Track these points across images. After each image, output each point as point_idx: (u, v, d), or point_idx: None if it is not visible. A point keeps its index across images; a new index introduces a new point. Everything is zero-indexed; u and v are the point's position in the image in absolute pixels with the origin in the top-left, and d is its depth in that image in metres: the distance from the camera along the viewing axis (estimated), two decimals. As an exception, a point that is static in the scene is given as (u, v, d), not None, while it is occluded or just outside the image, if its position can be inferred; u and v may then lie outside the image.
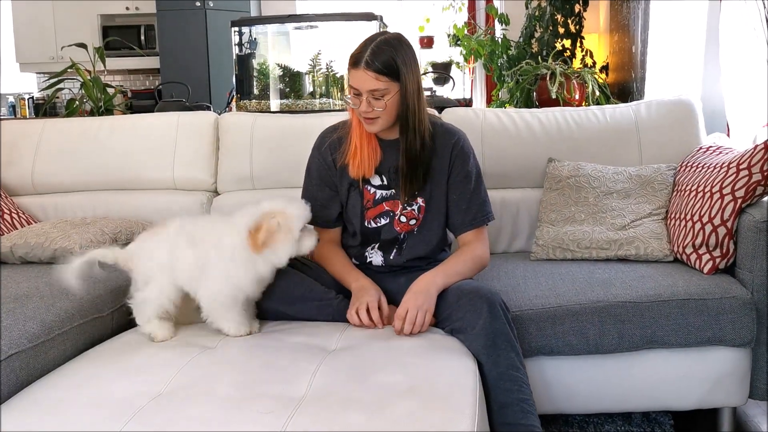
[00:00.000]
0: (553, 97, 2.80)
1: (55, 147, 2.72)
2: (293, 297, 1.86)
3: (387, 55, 1.78)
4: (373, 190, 1.95)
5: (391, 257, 1.98)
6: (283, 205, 1.75)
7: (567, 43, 3.90)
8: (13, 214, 2.51)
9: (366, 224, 1.97)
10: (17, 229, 2.44)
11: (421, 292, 1.77)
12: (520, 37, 4.13)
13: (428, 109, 1.98)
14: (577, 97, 2.87)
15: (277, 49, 3.15)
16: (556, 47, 3.76)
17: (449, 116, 2.61)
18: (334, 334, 1.75)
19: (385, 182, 1.95)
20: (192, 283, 1.75)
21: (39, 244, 2.23)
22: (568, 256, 2.25)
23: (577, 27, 3.94)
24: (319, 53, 3.00)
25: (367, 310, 1.78)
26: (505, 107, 3.41)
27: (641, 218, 2.26)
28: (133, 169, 2.69)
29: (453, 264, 1.88)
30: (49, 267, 2.15)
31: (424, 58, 5.45)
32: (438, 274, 1.83)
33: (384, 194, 1.95)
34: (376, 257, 1.99)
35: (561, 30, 3.89)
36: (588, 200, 2.34)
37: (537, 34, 3.98)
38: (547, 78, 2.83)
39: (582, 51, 3.91)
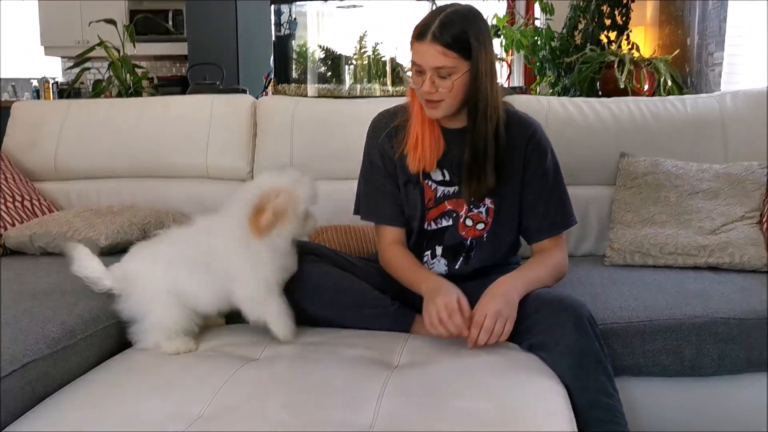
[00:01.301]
0: (622, 86, 2.55)
1: (80, 130, 2.51)
2: (343, 303, 1.63)
3: (458, 28, 1.53)
4: (434, 186, 1.71)
5: (457, 266, 1.73)
6: (286, 182, 1.53)
7: (612, 35, 3.68)
8: (34, 201, 2.30)
9: (426, 226, 1.72)
10: (38, 216, 2.24)
11: (501, 297, 1.51)
12: (563, 28, 3.91)
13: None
14: (646, 87, 2.61)
15: (319, 31, 2.92)
16: (601, 40, 3.54)
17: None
18: (395, 346, 1.52)
19: (447, 178, 1.70)
20: (210, 304, 1.55)
21: (61, 234, 2.03)
22: (650, 261, 2.00)
23: (624, 19, 3.70)
24: (364, 34, 2.76)
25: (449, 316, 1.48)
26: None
27: (733, 222, 2.00)
28: (163, 155, 2.48)
29: (534, 269, 1.63)
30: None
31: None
32: (519, 279, 1.57)
33: (446, 191, 1.70)
34: (438, 265, 1.74)
35: (607, 21, 3.67)
36: (669, 200, 2.09)
37: (581, 26, 3.77)
38: (615, 66, 2.58)
39: (628, 44, 3.67)
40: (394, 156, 1.71)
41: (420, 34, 1.55)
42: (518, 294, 1.53)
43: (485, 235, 1.71)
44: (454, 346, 1.51)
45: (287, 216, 1.50)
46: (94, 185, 2.47)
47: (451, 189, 1.70)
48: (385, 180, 1.73)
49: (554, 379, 1.40)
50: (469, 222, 1.70)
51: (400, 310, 1.65)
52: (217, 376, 1.34)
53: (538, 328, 1.49)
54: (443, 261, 1.73)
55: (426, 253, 1.74)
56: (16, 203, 2.23)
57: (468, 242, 1.71)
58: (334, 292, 1.62)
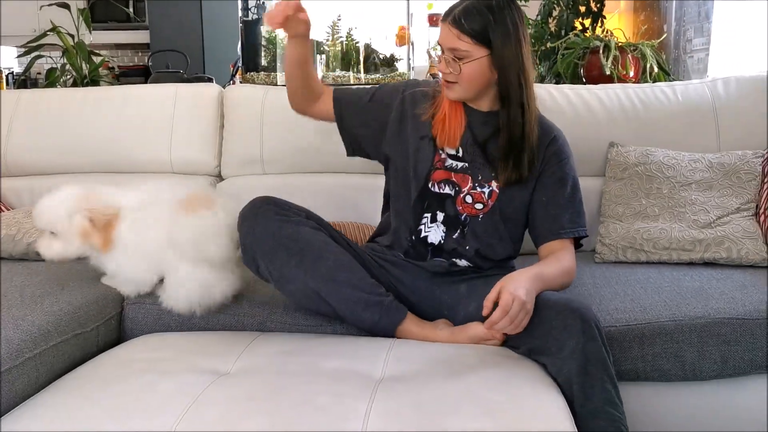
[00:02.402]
0: (607, 72, 2.45)
1: (32, 122, 2.33)
2: (340, 280, 1.52)
3: (480, 16, 1.52)
4: (444, 155, 1.65)
5: (454, 237, 1.63)
6: (78, 200, 1.62)
7: (587, 22, 3.59)
8: (-19, 200, 2.13)
9: (429, 186, 1.64)
10: (-15, 217, 2.06)
11: (525, 289, 1.38)
12: (537, 15, 3.82)
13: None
14: (632, 74, 2.51)
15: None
16: (575, 26, 3.44)
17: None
18: (379, 355, 1.40)
19: (460, 154, 1.65)
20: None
21: (9, 237, 1.86)
22: (642, 258, 1.90)
23: (599, 5, 3.62)
24: (338, 19, 2.62)
25: None
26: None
27: (729, 214, 1.91)
28: (122, 149, 2.31)
29: (549, 268, 1.52)
30: (21, 264, 1.80)
31: (432, 38, 5.10)
32: (537, 276, 1.45)
33: (454, 165, 1.64)
34: (435, 233, 1.64)
35: (582, 8, 3.58)
36: (662, 192, 1.99)
37: (555, 12, 3.68)
38: (600, 51, 2.47)
39: (603, 31, 3.59)
40: (413, 110, 1.68)
41: (445, 14, 1.57)
42: (536, 290, 1.42)
43: (481, 216, 1.62)
44: (444, 355, 1.39)
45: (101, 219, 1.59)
46: (47, 182, 2.28)
47: (460, 164, 1.64)
48: (373, 100, 1.73)
49: (555, 390, 1.29)
50: (469, 199, 1.62)
51: (393, 302, 1.55)
52: (183, 396, 1.20)
53: (539, 331, 1.38)
54: (442, 228, 1.64)
55: (426, 215, 1.65)
56: (-39, 202, 2.05)
57: (463, 217, 1.63)
58: (334, 266, 1.52)
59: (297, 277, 1.51)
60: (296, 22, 1.57)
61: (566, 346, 1.33)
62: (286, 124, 2.26)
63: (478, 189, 1.62)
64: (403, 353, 1.41)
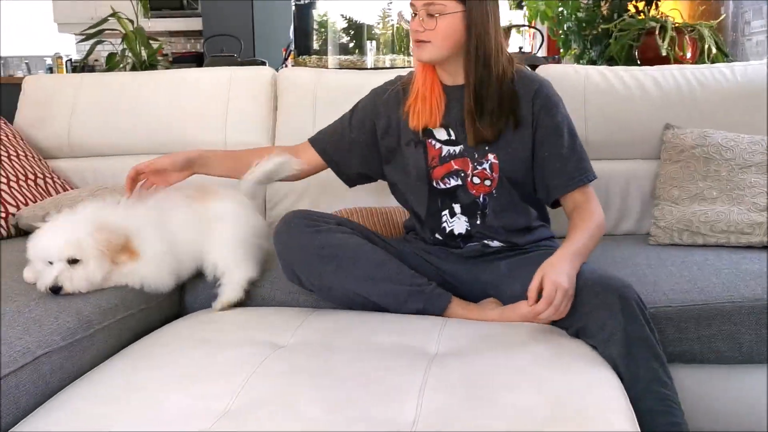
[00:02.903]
0: (663, 54, 2.40)
1: (94, 105, 2.40)
2: (379, 278, 1.53)
3: None
4: (438, 145, 1.63)
5: (478, 222, 1.63)
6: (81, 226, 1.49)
7: (641, 5, 3.51)
8: (47, 179, 2.21)
9: (435, 185, 1.64)
10: (51, 195, 2.14)
11: (565, 274, 1.39)
12: (589, -1, 3.75)
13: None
14: (689, 55, 2.46)
15: (341, -1, 2.78)
16: (628, 10, 3.36)
17: (544, 75, 2.21)
18: (431, 331, 1.41)
19: (453, 136, 1.63)
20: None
21: (75, 214, 1.92)
22: (699, 241, 1.87)
23: (653, -13, 3.53)
24: (389, 2, 2.63)
25: None
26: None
27: (790, 197, 1.86)
28: (179, 131, 2.36)
29: (581, 237, 1.51)
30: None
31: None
32: (574, 255, 1.45)
33: (451, 151, 1.62)
34: (458, 224, 1.64)
35: (635, -10, 3.51)
36: (720, 174, 1.95)
37: (608, -5, 3.60)
38: (656, 32, 2.42)
39: (658, 14, 3.50)
40: (394, 115, 1.68)
41: None
42: (575, 272, 1.42)
43: (494, 192, 1.61)
44: (496, 333, 1.40)
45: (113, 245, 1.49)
46: (108, 162, 2.37)
47: (457, 148, 1.62)
48: (353, 127, 1.73)
49: (607, 368, 1.28)
50: (476, 180, 1.61)
51: (436, 289, 1.55)
52: (243, 365, 1.24)
53: (581, 311, 1.38)
54: (464, 218, 1.64)
55: (444, 212, 1.65)
56: (29, 182, 2.14)
57: (480, 199, 1.62)
58: (370, 265, 1.54)
59: (336, 283, 1.54)
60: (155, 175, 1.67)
61: (606, 326, 1.33)
62: (338, 105, 2.26)
63: (479, 167, 1.61)
64: (455, 330, 1.43)
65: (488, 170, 1.60)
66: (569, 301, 1.38)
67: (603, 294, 1.36)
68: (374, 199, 2.11)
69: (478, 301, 1.60)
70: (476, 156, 1.61)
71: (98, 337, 1.36)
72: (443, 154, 1.63)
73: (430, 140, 1.63)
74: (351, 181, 1.80)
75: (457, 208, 1.64)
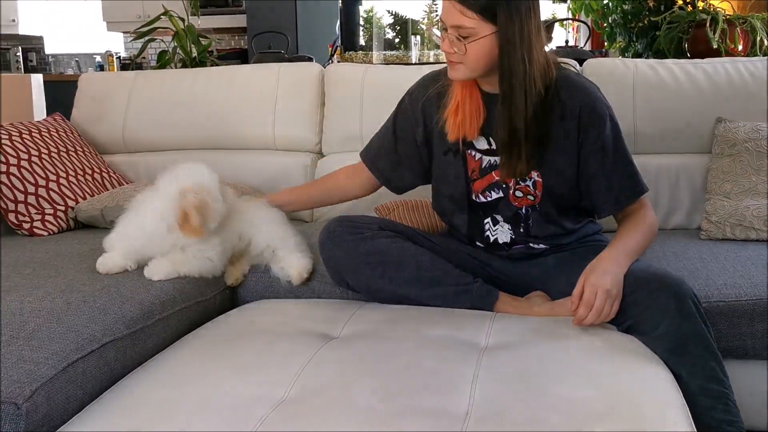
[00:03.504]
0: (714, 46, 2.36)
1: (147, 102, 2.48)
2: (425, 280, 1.54)
3: None
4: (478, 155, 1.57)
5: (521, 231, 1.60)
6: (190, 178, 1.55)
7: (689, -3, 3.44)
8: (104, 174, 2.28)
9: (475, 198, 1.60)
10: (108, 190, 2.21)
11: (611, 274, 1.38)
12: (635, -10, 3.68)
13: (563, 60, 1.60)
14: (740, 47, 2.41)
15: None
16: (676, 2, 3.30)
17: (592, 69, 2.22)
18: (481, 325, 1.43)
19: (494, 146, 1.55)
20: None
21: (131, 208, 1.98)
22: (752, 236, 1.85)
23: (702, -22, 3.45)
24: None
25: None
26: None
27: None
28: (229, 127, 2.42)
29: (632, 237, 1.49)
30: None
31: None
32: (622, 253, 1.43)
33: (492, 161, 1.56)
34: (502, 233, 1.61)
35: (684, -17, 3.43)
36: (774, 169, 1.92)
37: (654, -13, 3.53)
38: (707, 25, 2.38)
39: (707, 5, 3.42)
40: (428, 123, 1.62)
41: None
42: (623, 270, 1.40)
43: (538, 205, 1.57)
44: (547, 327, 1.41)
45: (209, 207, 1.52)
46: (161, 158, 2.44)
47: (498, 158, 1.55)
48: (398, 140, 1.69)
49: (661, 364, 1.28)
50: (519, 193, 1.57)
51: (483, 287, 1.55)
52: (298, 355, 1.27)
53: (635, 310, 1.37)
54: (507, 226, 1.60)
55: (486, 221, 1.62)
56: (87, 176, 2.21)
57: (523, 210, 1.58)
58: (416, 268, 1.54)
59: (384, 287, 1.55)
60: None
61: (661, 325, 1.32)
62: (385, 101, 2.27)
63: (521, 182, 1.55)
64: (505, 324, 1.44)
65: (531, 187, 1.55)
66: (615, 302, 1.37)
67: (657, 292, 1.35)
68: (414, 192, 2.11)
69: (526, 294, 1.60)
70: (514, 175, 1.54)
71: (159, 326, 1.41)
72: (484, 165, 1.57)
73: (469, 151, 1.58)
74: (400, 190, 1.78)
75: (499, 217, 1.61)
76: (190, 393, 1.16)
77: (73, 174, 2.16)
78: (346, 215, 1.68)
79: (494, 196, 1.59)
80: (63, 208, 2.06)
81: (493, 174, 1.57)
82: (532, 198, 1.56)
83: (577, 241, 1.63)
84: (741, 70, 2.14)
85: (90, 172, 2.23)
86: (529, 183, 1.55)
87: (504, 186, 1.57)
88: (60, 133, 2.27)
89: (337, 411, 1.09)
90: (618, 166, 1.53)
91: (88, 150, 2.32)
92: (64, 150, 2.21)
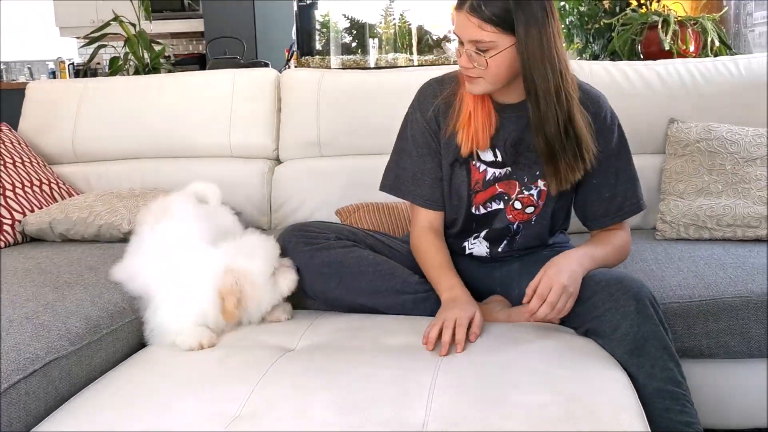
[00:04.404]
0: (666, 48, 2.39)
1: (98, 110, 2.41)
2: (383, 290, 1.52)
3: (500, 1, 1.34)
4: (483, 167, 1.54)
5: (499, 249, 1.60)
6: (236, 257, 1.42)
7: (642, -1, 3.50)
8: (53, 185, 2.22)
9: (474, 211, 1.58)
10: (57, 201, 2.15)
11: (568, 272, 1.37)
12: (591, -8, 3.74)
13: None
14: (692, 48, 2.45)
15: (342, -1, 2.78)
16: (630, 3, 3.35)
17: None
18: (440, 332, 1.41)
19: (500, 158, 1.53)
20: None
21: (82, 219, 1.94)
22: (706, 235, 1.87)
23: (656, -19, 3.52)
24: (391, 2, 2.63)
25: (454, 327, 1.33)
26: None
27: (796, 190, 1.86)
28: (184, 135, 2.37)
29: (601, 248, 1.49)
30: (94, 246, 1.88)
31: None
32: (585, 256, 1.43)
33: (497, 174, 1.54)
34: (479, 247, 1.61)
35: (638, -17, 3.49)
36: (725, 168, 1.95)
37: (610, -12, 3.59)
38: (659, 26, 2.42)
39: (660, 6, 3.48)
40: (440, 132, 1.55)
41: (459, 2, 1.39)
42: (583, 272, 1.40)
43: (534, 219, 1.56)
44: (504, 332, 1.40)
45: (246, 296, 1.41)
46: (114, 167, 2.38)
47: (503, 170, 1.53)
48: (426, 157, 1.57)
49: (618, 367, 1.28)
50: (518, 205, 1.55)
51: None
52: (253, 370, 1.24)
53: (594, 312, 1.36)
54: (485, 243, 1.60)
55: (469, 237, 1.61)
56: (35, 188, 2.14)
57: (514, 226, 1.57)
58: (374, 278, 1.52)
59: (342, 297, 1.53)
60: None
61: (620, 327, 1.32)
62: (342, 106, 2.29)
63: (525, 192, 1.53)
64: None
65: (535, 197, 1.53)
66: (570, 299, 1.37)
67: (617, 295, 1.34)
68: (377, 195, 2.09)
69: (485, 297, 1.60)
70: (525, 180, 1.53)
71: (107, 341, 1.37)
72: (488, 178, 1.54)
73: (474, 162, 1.54)
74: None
75: (483, 233, 1.60)
76: (140, 413, 1.13)
77: (20, 186, 2.09)
78: (300, 223, 1.65)
79: (494, 207, 1.56)
80: (10, 222, 1.99)
81: (497, 186, 1.54)
82: (531, 210, 1.55)
83: (545, 246, 1.63)
84: (692, 71, 2.17)
85: (38, 183, 2.16)
86: (534, 192, 1.53)
87: (506, 197, 1.55)
88: (6, 143, 2.20)
89: (293, 426, 1.07)
90: (622, 177, 1.54)
91: (36, 161, 2.25)
92: (11, 161, 2.14)
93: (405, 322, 1.48)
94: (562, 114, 1.41)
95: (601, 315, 1.35)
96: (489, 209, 1.57)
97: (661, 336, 1.33)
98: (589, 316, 1.37)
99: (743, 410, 1.59)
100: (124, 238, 1.86)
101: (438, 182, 1.57)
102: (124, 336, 1.42)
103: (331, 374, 1.23)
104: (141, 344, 1.45)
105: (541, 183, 1.53)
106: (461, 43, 1.40)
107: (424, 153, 1.57)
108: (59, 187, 2.23)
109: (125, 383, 1.24)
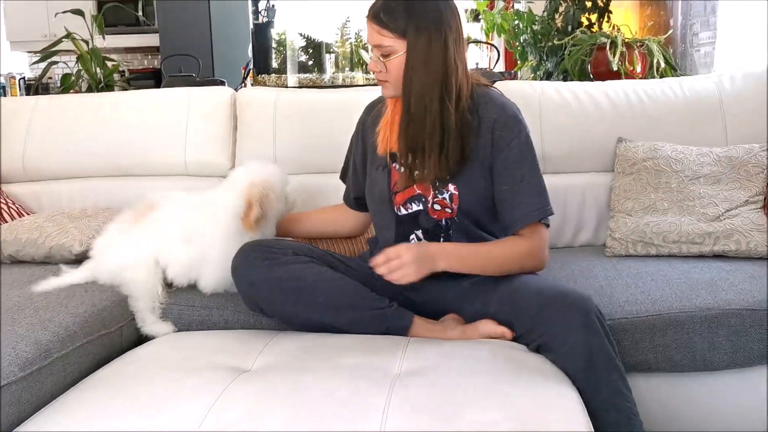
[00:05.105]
0: (614, 69, 2.47)
1: (50, 127, 2.37)
2: (340, 305, 1.54)
3: (399, 9, 1.49)
4: (401, 169, 1.62)
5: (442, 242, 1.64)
6: (261, 173, 1.75)
7: (593, 17, 3.60)
8: (2, 205, 2.17)
9: (397, 211, 1.65)
10: (6, 222, 2.11)
11: (426, 255, 1.50)
12: (543, 11, 3.83)
13: (482, 80, 1.65)
14: (639, 69, 2.54)
15: (298, 18, 2.80)
16: (582, 22, 3.45)
17: (501, 90, 2.27)
18: (395, 351, 1.43)
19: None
20: (185, 276, 1.75)
21: (32, 241, 1.90)
22: (653, 251, 1.93)
23: (605, 0, 3.63)
24: (346, 21, 2.65)
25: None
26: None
27: (737, 207, 1.93)
28: (138, 153, 2.35)
29: (490, 249, 1.57)
30: (44, 268, 1.84)
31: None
32: (464, 248, 1.56)
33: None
34: None
35: (588, 3, 3.59)
36: (670, 186, 2.01)
37: (562, 8, 3.68)
38: (607, 48, 2.50)
39: (610, 26, 3.60)
40: (368, 142, 1.72)
41: (368, 11, 1.54)
42: (449, 263, 1.52)
43: (456, 218, 1.62)
44: (458, 350, 1.42)
45: (272, 203, 1.69)
46: (66, 186, 2.34)
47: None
48: (354, 161, 1.80)
49: (567, 383, 1.31)
50: (437, 206, 1.62)
51: (398, 311, 1.56)
52: (207, 391, 1.24)
53: (542, 328, 1.40)
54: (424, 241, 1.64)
55: (411, 237, 1.66)
56: (-17, 208, 2.10)
57: (443, 222, 1.62)
58: (330, 294, 1.53)
59: (299, 313, 1.55)
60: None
61: (568, 342, 1.35)
62: (299, 124, 2.30)
63: (440, 195, 1.60)
64: (419, 349, 1.44)
65: (448, 200, 1.60)
66: (399, 271, 1.47)
67: (563, 309, 1.38)
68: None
69: (439, 317, 1.62)
70: (437, 184, 1.59)
71: (57, 365, 1.35)
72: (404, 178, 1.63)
73: (394, 164, 1.64)
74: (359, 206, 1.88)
75: (419, 233, 1.64)
76: (90, 438, 1.11)
77: (-33, 205, 2.05)
78: (258, 240, 1.66)
79: (415, 208, 1.63)
80: (-43, 243, 1.94)
81: (415, 187, 1.61)
82: (449, 211, 1.60)
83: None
84: (639, 91, 2.24)
85: (-13, 202, 2.12)
86: (446, 196, 1.60)
87: (424, 199, 1.61)
88: (-47, 162, 2.15)
89: (246, 449, 1.07)
90: (525, 184, 1.57)
91: (-15, 179, 2.21)
92: (-42, 180, 2.10)
93: (360, 341, 1.49)
94: (431, 118, 1.52)
95: (549, 330, 1.39)
96: (410, 210, 1.64)
97: (606, 349, 1.37)
98: (538, 331, 1.41)
99: (689, 422, 1.64)
100: (76, 260, 1.84)
101: (354, 184, 1.82)
102: (75, 360, 1.40)
103: (285, 395, 1.23)
104: (93, 368, 1.43)
105: (452, 187, 1.59)
106: (372, 49, 1.55)
107: (355, 157, 1.80)
108: (9, 207, 2.18)
109: (76, 408, 1.22)
